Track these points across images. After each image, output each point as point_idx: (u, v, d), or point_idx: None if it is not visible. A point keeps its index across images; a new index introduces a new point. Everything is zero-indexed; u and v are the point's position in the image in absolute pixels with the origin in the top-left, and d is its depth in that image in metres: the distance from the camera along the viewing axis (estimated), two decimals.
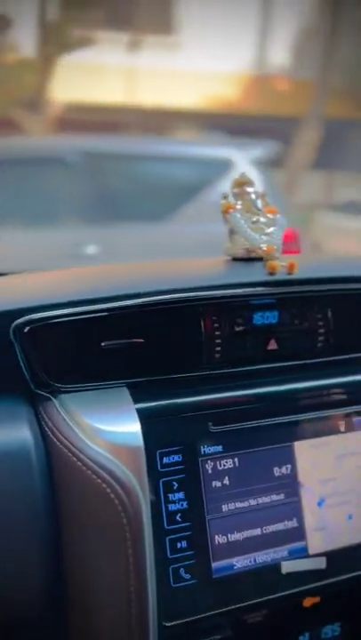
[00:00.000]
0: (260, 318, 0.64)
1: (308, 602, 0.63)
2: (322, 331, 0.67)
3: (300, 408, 0.62)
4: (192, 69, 8.03)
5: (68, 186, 3.24)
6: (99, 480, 0.50)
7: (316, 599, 0.63)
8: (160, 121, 7.53)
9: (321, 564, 0.59)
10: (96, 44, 7.43)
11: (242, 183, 0.67)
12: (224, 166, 3.43)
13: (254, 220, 0.66)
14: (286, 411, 0.61)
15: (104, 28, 7.70)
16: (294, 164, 6.70)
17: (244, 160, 3.53)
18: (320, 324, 0.66)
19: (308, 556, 0.60)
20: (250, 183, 0.67)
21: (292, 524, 0.59)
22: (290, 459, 0.61)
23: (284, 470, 0.60)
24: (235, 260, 0.67)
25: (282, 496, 0.60)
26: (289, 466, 0.60)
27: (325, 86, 7.31)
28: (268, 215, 0.66)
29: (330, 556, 0.60)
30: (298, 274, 0.63)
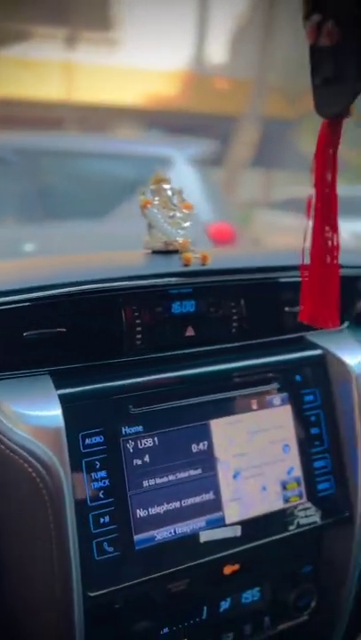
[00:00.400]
0: (178, 307, 0.68)
1: (228, 569, 0.68)
2: (236, 317, 0.72)
3: (215, 389, 0.67)
4: (131, 66, 8.03)
5: (5, 183, 3.19)
6: (21, 460, 0.53)
7: (236, 567, 0.68)
8: (99, 118, 7.49)
9: (237, 531, 0.64)
10: (32, 39, 7.30)
11: (159, 180, 0.71)
12: (162, 164, 3.47)
13: (171, 214, 0.70)
14: (203, 392, 0.66)
15: (41, 22, 7.58)
16: (233, 162, 6.83)
17: (182, 158, 3.58)
18: (234, 311, 0.72)
19: (224, 526, 0.64)
20: (166, 181, 0.71)
21: (210, 496, 0.64)
22: (207, 436, 0.65)
23: (201, 447, 0.65)
24: (154, 252, 0.71)
25: (199, 471, 0.64)
26: (206, 442, 0.65)
27: (263, 85, 7.48)
28: (184, 210, 0.71)
29: (246, 524, 0.65)
30: (212, 265, 0.68)
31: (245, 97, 7.21)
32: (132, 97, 8.10)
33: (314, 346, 0.74)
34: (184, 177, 3.52)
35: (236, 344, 0.72)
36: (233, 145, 6.84)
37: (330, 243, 0.48)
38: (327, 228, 0.48)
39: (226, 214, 3.80)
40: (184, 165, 3.56)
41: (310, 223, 0.48)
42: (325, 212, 0.47)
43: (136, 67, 7.94)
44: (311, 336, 0.76)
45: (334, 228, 0.48)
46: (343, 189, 0.46)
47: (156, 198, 0.70)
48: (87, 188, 3.39)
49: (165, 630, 0.66)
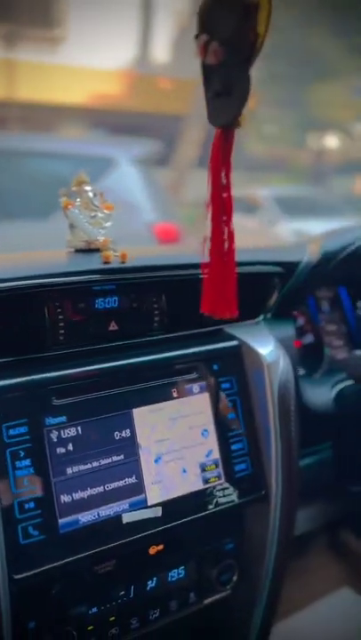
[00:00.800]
0: (101, 303, 0.72)
1: (153, 550, 0.72)
2: (157, 312, 0.76)
3: (137, 379, 0.71)
4: (75, 65, 7.97)
5: None
6: None
7: (160, 547, 0.72)
8: (43, 117, 7.40)
9: (158, 512, 0.69)
10: None
11: (80, 182, 0.74)
12: (106, 164, 3.49)
13: (93, 215, 0.73)
14: (125, 382, 0.70)
15: None
16: (180, 162, 6.90)
17: (125, 158, 3.61)
18: (155, 306, 0.76)
19: (146, 507, 0.68)
20: (87, 182, 0.74)
21: (132, 480, 0.68)
22: (129, 424, 0.69)
23: (123, 434, 0.69)
24: (76, 251, 0.74)
25: (122, 457, 0.68)
26: (128, 430, 0.69)
27: None
28: (105, 211, 0.74)
29: (167, 505, 0.70)
30: (132, 263, 0.72)
31: (190, 97, 7.30)
32: (76, 96, 8.04)
33: (231, 337, 0.80)
34: (127, 177, 3.56)
35: (158, 337, 0.76)
36: (179, 145, 6.91)
37: (226, 244, 0.53)
38: (223, 230, 0.52)
39: (171, 214, 3.85)
40: (128, 165, 3.59)
41: (209, 225, 0.53)
42: (221, 214, 0.52)
43: (80, 66, 7.89)
44: (229, 328, 0.82)
45: (230, 230, 0.53)
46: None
47: (78, 199, 0.73)
48: (31, 188, 3.36)
49: (94, 610, 0.70)
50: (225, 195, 0.52)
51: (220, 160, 0.51)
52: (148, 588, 0.74)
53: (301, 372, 1.05)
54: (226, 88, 0.48)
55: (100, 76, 8.12)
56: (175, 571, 0.76)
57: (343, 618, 1.46)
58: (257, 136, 9.79)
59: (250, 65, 0.47)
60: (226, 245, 0.53)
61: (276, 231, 7.19)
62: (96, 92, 8.24)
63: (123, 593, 0.72)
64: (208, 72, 0.49)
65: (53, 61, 7.78)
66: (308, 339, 1.08)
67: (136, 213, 3.34)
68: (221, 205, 0.52)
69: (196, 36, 0.47)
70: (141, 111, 7.90)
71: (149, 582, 0.74)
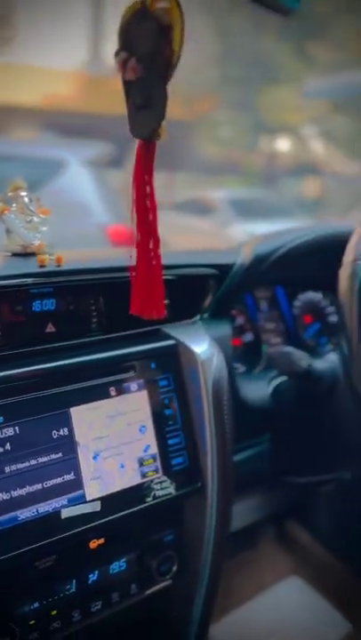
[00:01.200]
0: (38, 305, 0.74)
1: (94, 544, 0.74)
2: (95, 314, 0.79)
3: (75, 379, 0.73)
4: (25, 65, 7.86)
5: None
6: None
7: (101, 541, 0.75)
8: None
9: (96, 506, 0.71)
10: None
11: (16, 188, 0.76)
12: (57, 166, 3.48)
13: (29, 220, 0.75)
14: (62, 382, 0.72)
15: None
16: (132, 164, 6.90)
17: (76, 160, 3.61)
18: (93, 308, 0.78)
19: (85, 502, 0.71)
20: (23, 188, 0.76)
21: (70, 476, 0.70)
22: (67, 422, 0.71)
23: (62, 432, 0.71)
24: (13, 255, 0.76)
25: (60, 454, 0.70)
26: (66, 428, 0.71)
27: None
28: (41, 215, 0.76)
29: (105, 499, 0.72)
30: (67, 266, 0.74)
31: None
32: (26, 97, 7.94)
33: (168, 337, 0.83)
34: (79, 179, 3.56)
35: (96, 338, 0.78)
36: (131, 147, 6.90)
37: (152, 252, 0.56)
38: (148, 235, 0.55)
39: (124, 216, 3.87)
40: (79, 167, 3.59)
41: (135, 231, 0.56)
42: (146, 220, 0.55)
43: (30, 66, 7.79)
44: (166, 328, 0.85)
45: (154, 235, 0.56)
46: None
47: (14, 205, 0.75)
48: None
49: (36, 605, 0.71)
50: (149, 202, 0.55)
51: (142, 169, 0.54)
52: (89, 582, 0.76)
53: (242, 368, 1.10)
54: (145, 102, 0.51)
55: (51, 77, 8.05)
56: (116, 563, 0.78)
57: (291, 606, 1.51)
58: (212, 139, 9.92)
59: (167, 80, 0.51)
60: (152, 249, 0.56)
61: (230, 232, 7.30)
62: (47, 93, 8.15)
63: (64, 587, 0.74)
64: (128, 87, 0.52)
65: (3, 61, 7.66)
66: (248, 337, 1.13)
67: (88, 215, 3.34)
68: (145, 212, 0.55)
69: (116, 54, 0.50)
70: (93, 112, 7.87)
71: (91, 576, 0.76)
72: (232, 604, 1.48)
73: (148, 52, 0.49)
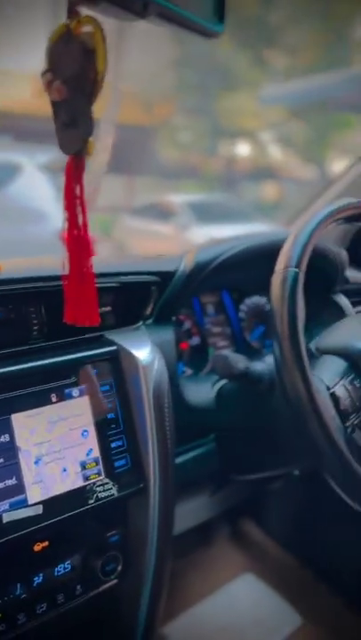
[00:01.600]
0: None
1: (38, 547, 0.76)
2: (36, 321, 0.80)
3: (15, 386, 0.74)
4: None
5: None
6: None
7: (45, 543, 0.76)
8: None
9: (38, 510, 0.73)
10: None
11: None
12: (11, 171, 3.45)
13: None
14: (4, 389, 0.73)
15: None
16: (91, 168, 6.89)
17: (32, 164, 3.59)
18: (34, 315, 0.80)
19: (27, 506, 0.72)
20: None
21: (12, 481, 0.72)
22: (8, 429, 0.73)
23: (2, 439, 0.72)
24: None
25: (1, 460, 0.71)
26: (7, 435, 0.72)
27: (117, 91, 7.61)
28: None
29: (47, 503, 0.74)
30: (6, 275, 0.76)
31: (100, 103, 7.28)
32: None
33: (110, 343, 0.85)
34: (34, 183, 3.54)
35: (37, 345, 0.80)
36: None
37: (84, 261, 0.58)
38: (79, 246, 0.58)
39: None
40: (34, 172, 3.57)
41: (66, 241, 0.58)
42: (77, 230, 0.57)
43: None
44: (109, 335, 0.87)
45: (86, 245, 0.58)
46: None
47: None
48: None
49: None
50: (80, 214, 0.57)
51: (73, 184, 0.56)
52: (34, 584, 0.77)
53: (189, 371, 1.13)
54: (72, 120, 0.53)
55: (7, 79, 7.95)
56: (61, 565, 0.80)
57: (245, 602, 1.55)
58: (171, 143, 9.98)
59: (93, 99, 0.53)
60: (83, 258, 0.58)
61: (190, 236, 7.37)
62: (2, 96, 8.05)
63: (9, 590, 0.75)
64: (55, 106, 0.54)
65: None
66: (195, 340, 1.16)
67: (44, 221, 3.33)
68: (76, 224, 0.57)
69: (42, 74, 0.52)
70: (50, 116, 7.80)
71: (36, 578, 0.77)
72: (187, 603, 1.51)
73: (74, 75, 0.52)
